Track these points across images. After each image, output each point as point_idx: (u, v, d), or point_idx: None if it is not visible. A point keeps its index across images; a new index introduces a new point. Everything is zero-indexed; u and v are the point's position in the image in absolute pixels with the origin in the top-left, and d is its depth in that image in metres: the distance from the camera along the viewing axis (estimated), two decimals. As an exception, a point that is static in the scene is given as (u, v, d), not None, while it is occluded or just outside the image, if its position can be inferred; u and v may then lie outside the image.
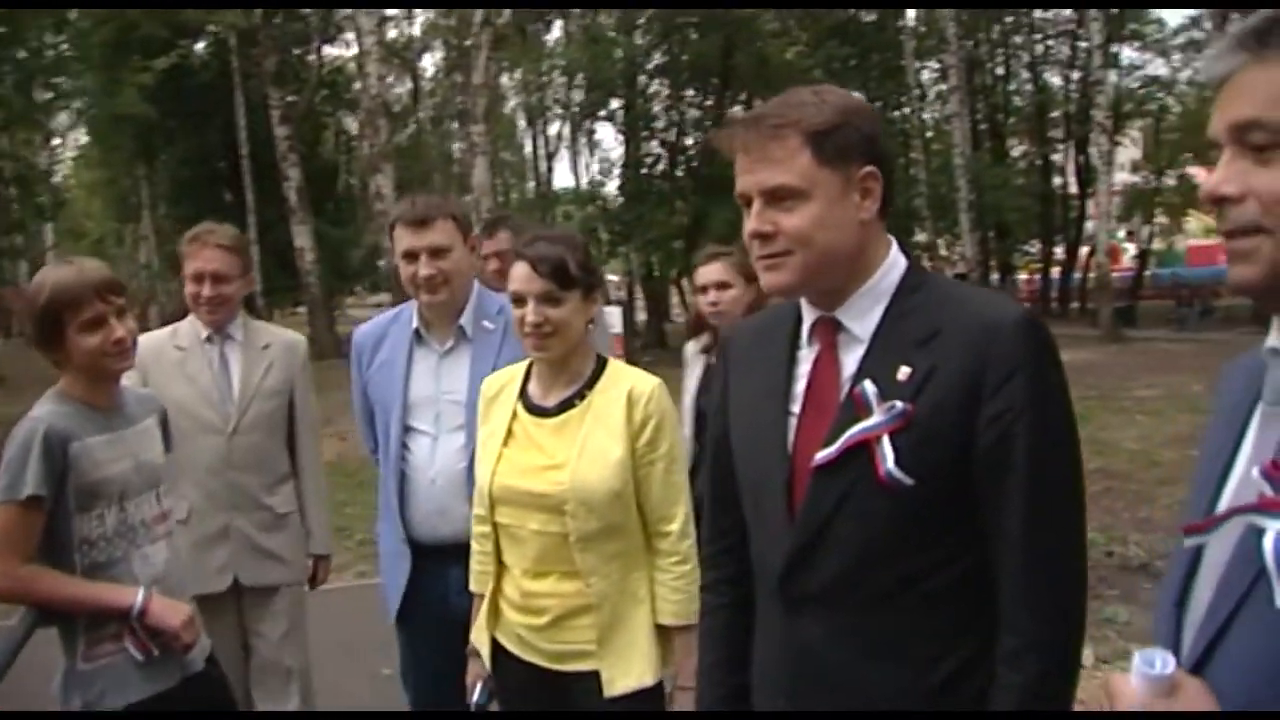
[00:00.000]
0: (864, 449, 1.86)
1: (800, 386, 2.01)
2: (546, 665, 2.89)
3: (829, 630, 1.95)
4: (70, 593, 2.97)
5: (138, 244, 41.98)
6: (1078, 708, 1.84)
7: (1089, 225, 38.18)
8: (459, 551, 3.30)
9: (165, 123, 30.94)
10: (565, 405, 2.90)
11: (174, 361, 4.05)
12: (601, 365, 2.96)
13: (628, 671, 2.83)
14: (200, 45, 31.24)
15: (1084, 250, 38.70)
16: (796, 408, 2.00)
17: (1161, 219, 46.93)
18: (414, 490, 3.56)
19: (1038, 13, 40.31)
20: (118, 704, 2.99)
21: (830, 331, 2.00)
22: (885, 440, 1.84)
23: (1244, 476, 1.39)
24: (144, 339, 4.12)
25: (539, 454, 2.87)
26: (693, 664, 2.79)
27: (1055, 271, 42.23)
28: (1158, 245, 48.90)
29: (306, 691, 4.28)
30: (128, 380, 3.38)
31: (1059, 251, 40.04)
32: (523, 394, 2.98)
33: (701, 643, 2.35)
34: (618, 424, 2.81)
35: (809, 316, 2.04)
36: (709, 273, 4.57)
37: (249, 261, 4.28)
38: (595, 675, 2.83)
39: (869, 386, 1.88)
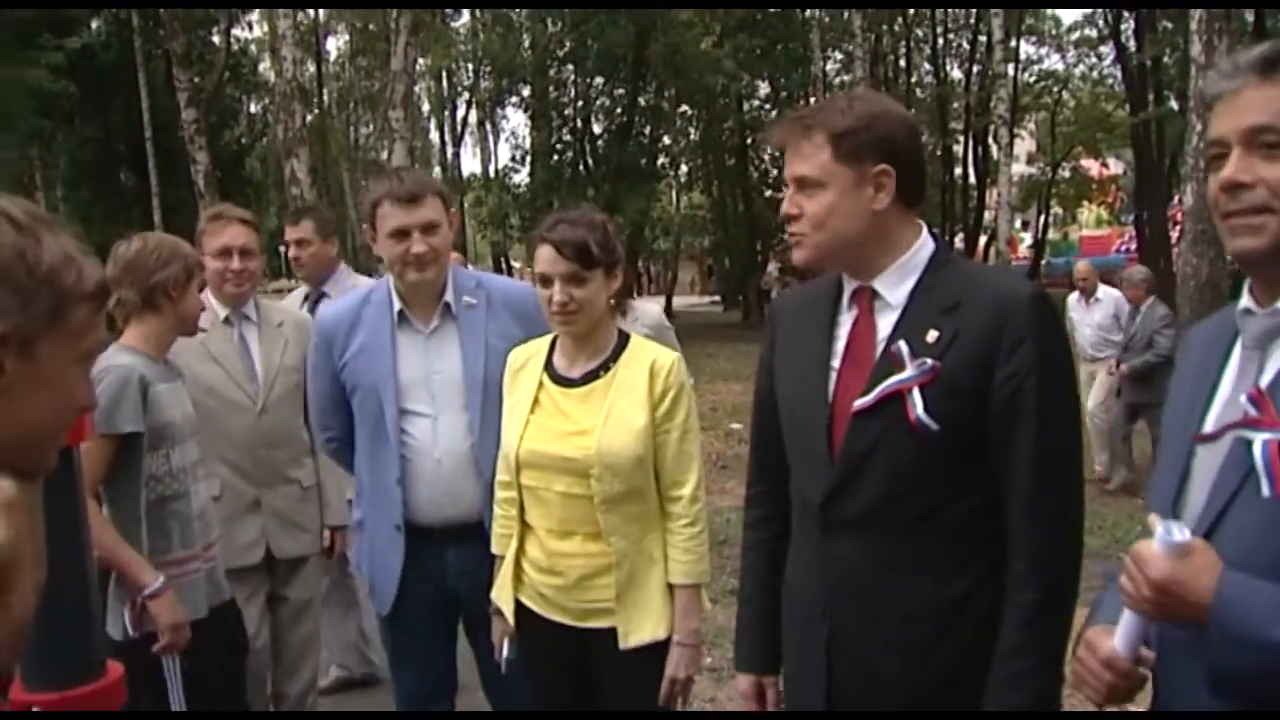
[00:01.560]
0: (897, 398, 2.21)
1: (840, 345, 2.36)
2: (570, 623, 3.10)
3: (861, 550, 2.29)
4: (109, 541, 3.22)
5: (33, 227, 40.86)
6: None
7: (988, 215, 38.99)
8: (461, 532, 3.45)
9: (63, 104, 30.27)
10: (590, 376, 3.10)
11: (198, 342, 4.08)
12: (624, 340, 3.16)
13: (642, 626, 3.05)
14: (95, 23, 30.52)
15: (983, 239, 39.50)
16: (837, 363, 2.34)
17: (1056, 209, 48.08)
18: (418, 472, 3.51)
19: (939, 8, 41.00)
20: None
21: (867, 299, 2.34)
22: (916, 391, 2.19)
23: (1228, 402, 1.81)
24: None
25: (566, 420, 3.07)
26: (693, 623, 3.08)
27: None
28: (1053, 235, 49.98)
29: (316, 656, 4.48)
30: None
31: (959, 240, 40.80)
32: (549, 365, 3.17)
33: (744, 573, 2.73)
34: (641, 394, 3.03)
35: (849, 286, 2.39)
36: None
37: (263, 239, 4.37)
38: (613, 631, 3.05)
39: (903, 345, 2.23)
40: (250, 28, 35.05)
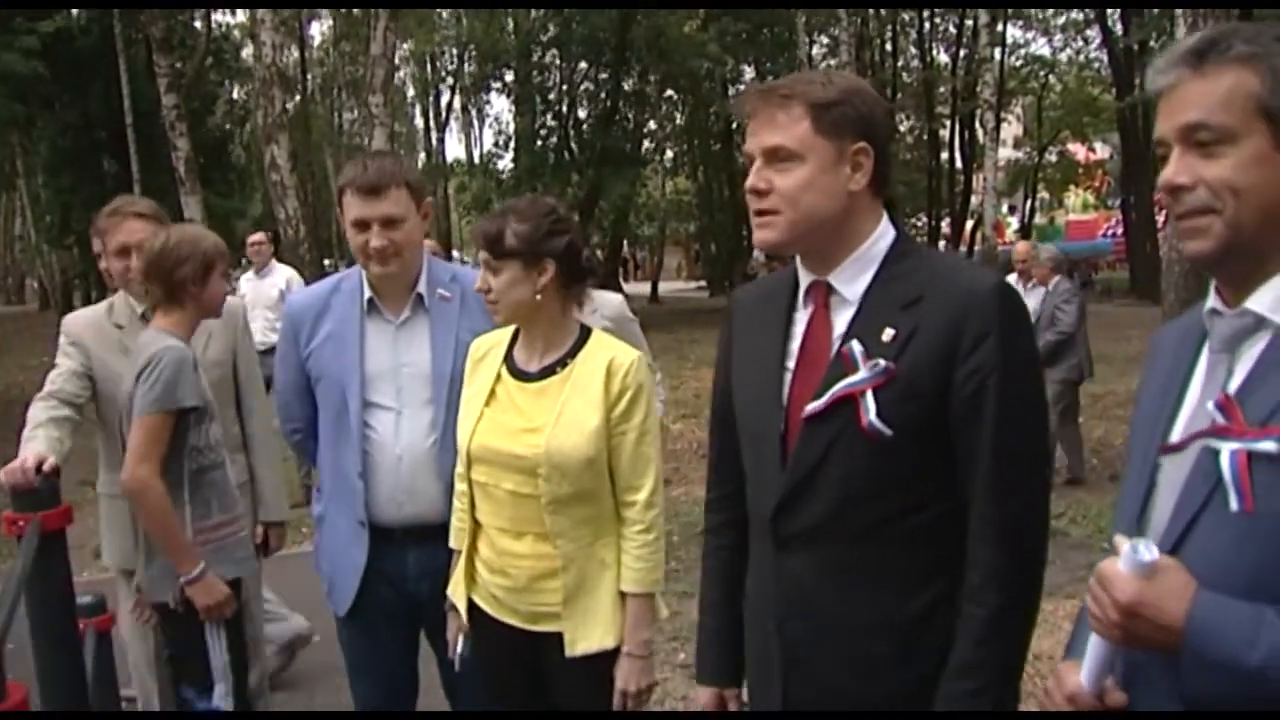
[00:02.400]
0: (850, 402, 2.08)
1: (795, 345, 2.22)
2: (520, 625, 2.98)
3: (815, 564, 2.17)
4: (166, 518, 3.47)
5: (14, 215, 40.74)
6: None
7: (974, 199, 38.99)
8: (422, 533, 3.34)
9: (43, 89, 30.02)
10: (547, 371, 2.97)
11: (115, 340, 3.99)
12: (585, 335, 3.03)
13: (590, 634, 2.92)
14: (75, 10, 30.30)
15: (969, 224, 39.50)
16: (792, 364, 2.21)
17: (1043, 194, 48.16)
18: (378, 468, 3.39)
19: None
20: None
21: (823, 294, 2.21)
22: (869, 394, 2.06)
23: (1195, 410, 1.70)
24: (81, 317, 4.15)
25: (518, 416, 2.95)
26: (644, 633, 2.95)
27: (941, 245, 43.08)
28: (1039, 220, 50.07)
29: (262, 657, 4.31)
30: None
31: (945, 225, 40.81)
32: (509, 357, 3.05)
33: (703, 581, 2.57)
34: (596, 393, 2.89)
35: (804, 280, 2.25)
36: None
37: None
38: (562, 636, 2.93)
39: (855, 345, 2.10)
40: (233, 13, 34.80)
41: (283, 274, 10.13)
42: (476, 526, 3.06)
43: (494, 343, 3.12)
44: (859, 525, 2.12)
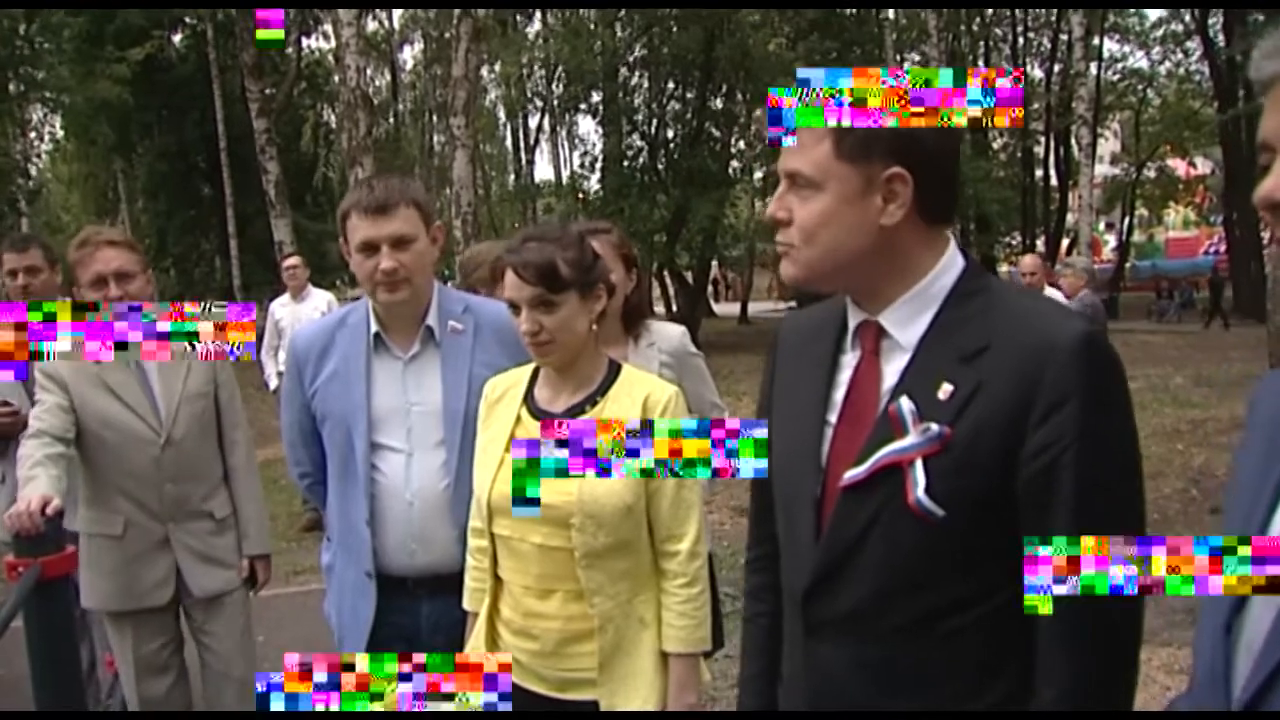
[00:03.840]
0: (896, 471, 1.73)
1: (840, 394, 1.88)
2: (548, 693, 2.74)
3: (849, 660, 1.84)
4: None
5: (116, 238, 41.66)
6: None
7: (1070, 217, 38.26)
8: (435, 584, 3.12)
9: (142, 116, 30.71)
10: (575, 411, 2.72)
11: (93, 374, 3.86)
12: (615, 370, 2.80)
13: (629, 700, 2.68)
14: (177, 38, 31.00)
15: (1065, 242, 38.74)
16: (834, 417, 1.87)
17: (1141, 211, 47.18)
18: (387, 514, 3.18)
19: (1018, 7, 40.40)
20: None
21: (873, 337, 1.85)
22: (918, 464, 1.71)
23: None
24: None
25: None
26: (690, 697, 2.69)
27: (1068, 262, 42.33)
28: (1138, 237, 49.09)
29: (249, 702, 4.12)
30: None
31: (1040, 244, 40.05)
32: (529, 398, 2.81)
33: (743, 652, 2.24)
34: None
35: (854, 318, 1.90)
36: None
37: (145, 258, 4.09)
38: (596, 705, 2.69)
39: (905, 404, 1.74)
40: (326, 38, 35.30)
41: (322, 297, 10.01)
42: (498, 585, 2.81)
43: (511, 382, 2.88)
44: (901, 619, 1.77)
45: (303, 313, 9.58)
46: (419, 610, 3.18)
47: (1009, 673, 1.74)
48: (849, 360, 1.89)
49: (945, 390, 1.72)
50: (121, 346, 3.81)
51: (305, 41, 31.91)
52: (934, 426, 1.71)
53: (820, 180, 1.77)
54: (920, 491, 1.70)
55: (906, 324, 1.81)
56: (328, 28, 30.44)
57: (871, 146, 1.75)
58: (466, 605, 2.93)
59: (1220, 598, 1.39)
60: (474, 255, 4.62)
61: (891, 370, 1.82)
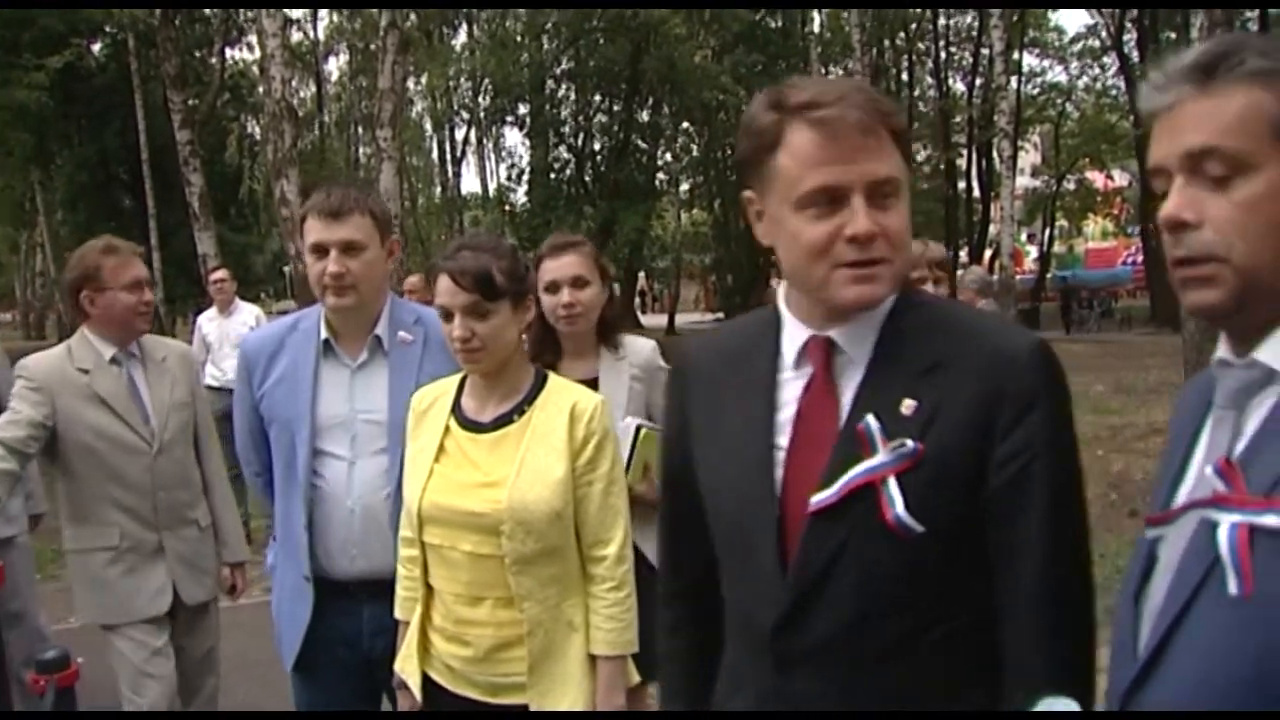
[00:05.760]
0: (867, 491, 1.69)
1: (787, 415, 1.81)
2: (480, 698, 2.76)
3: (827, 690, 1.77)
4: None
5: (34, 251, 40.92)
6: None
7: (992, 228, 38.82)
8: (376, 588, 3.12)
9: (61, 125, 30.13)
10: (503, 420, 2.76)
11: (81, 385, 3.89)
12: (542, 379, 2.83)
13: (559, 702, 2.70)
14: (97, 46, 30.51)
15: (988, 253, 39.31)
16: (784, 440, 1.80)
17: (1062, 222, 48.01)
18: (328, 521, 3.21)
19: (941, 20, 41.00)
20: None
21: (823, 352, 1.80)
22: (891, 482, 1.68)
23: (1199, 475, 1.46)
24: (44, 361, 4.02)
25: (474, 471, 2.73)
26: (617, 698, 2.73)
27: (959, 274, 42.87)
28: (1058, 248, 49.93)
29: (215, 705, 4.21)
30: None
31: (963, 255, 40.63)
32: (456, 408, 2.84)
33: (663, 692, 2.17)
34: (559, 441, 2.68)
35: (797, 334, 1.84)
36: (563, 266, 3.55)
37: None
38: (526, 708, 2.71)
39: (872, 422, 1.71)
40: (250, 49, 34.97)
41: (250, 311, 9.92)
42: (429, 593, 2.83)
43: (439, 393, 2.91)
44: (880, 642, 1.73)
45: (230, 327, 9.49)
46: (360, 614, 3.21)
47: (982, 680, 1.75)
48: (791, 379, 1.83)
49: (908, 406, 1.71)
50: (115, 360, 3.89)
51: (229, 52, 31.56)
52: (908, 443, 1.68)
53: (900, 187, 1.74)
54: (900, 508, 1.67)
55: (858, 339, 1.78)
56: (252, 38, 30.18)
57: (907, 151, 1.77)
58: (399, 614, 2.95)
59: (1133, 570, 1.52)
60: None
61: (848, 387, 1.78)
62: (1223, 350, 1.50)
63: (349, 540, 3.20)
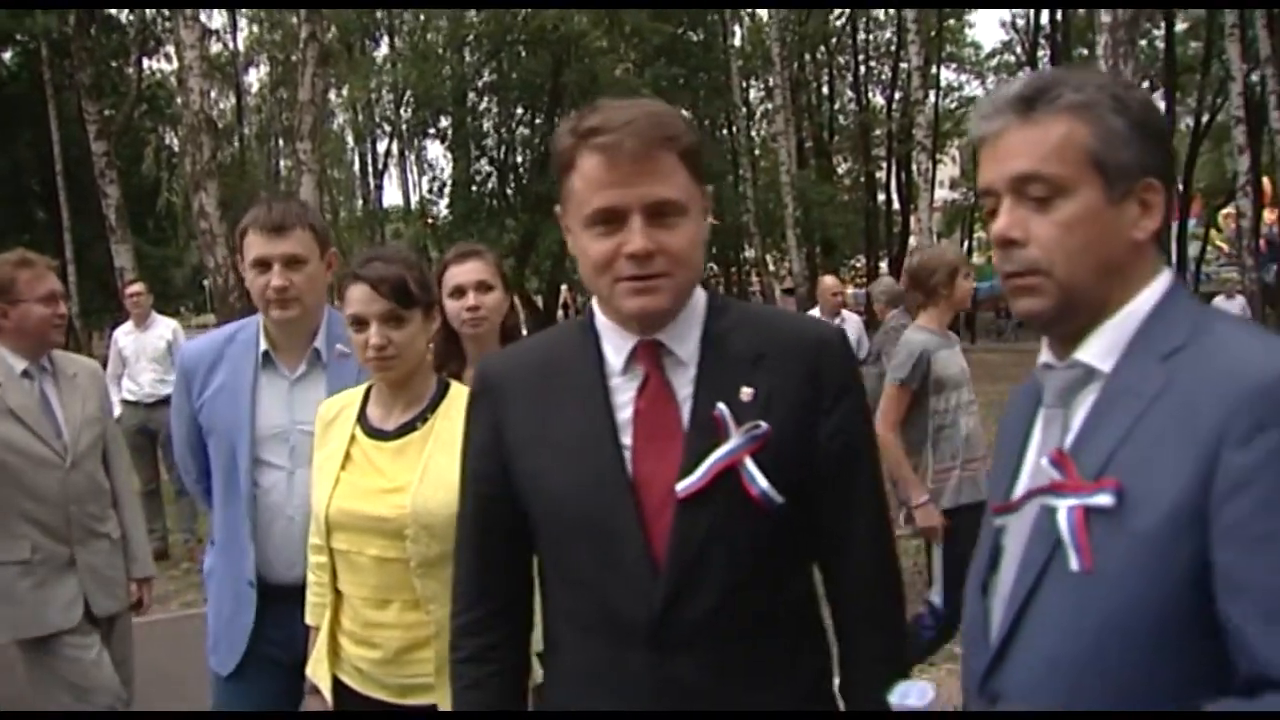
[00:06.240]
0: (729, 474, 1.84)
1: (625, 416, 1.92)
2: (389, 700, 2.81)
3: (711, 667, 1.87)
4: (900, 459, 5.09)
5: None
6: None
7: (912, 240, 39.36)
8: None
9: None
10: (406, 428, 2.83)
11: None
12: (444, 388, 2.90)
13: None
14: (8, 55, 29.98)
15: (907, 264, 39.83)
16: (628, 439, 1.91)
17: (980, 234, 48.68)
18: (270, 528, 3.26)
19: (860, 35, 41.56)
20: None
21: (653, 355, 1.93)
22: (749, 461, 1.84)
23: (1034, 468, 1.64)
24: None
25: (379, 477, 2.79)
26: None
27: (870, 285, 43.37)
28: (976, 259, 50.65)
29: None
30: None
31: (884, 266, 41.13)
32: (362, 417, 2.90)
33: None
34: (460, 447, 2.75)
35: (621, 342, 1.96)
36: (468, 272, 3.57)
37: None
38: (434, 709, 2.74)
39: (723, 408, 1.86)
40: (168, 59, 34.52)
41: (167, 325, 9.78)
42: (338, 598, 2.89)
43: (345, 403, 2.97)
44: (756, 612, 1.89)
45: (147, 341, 9.39)
46: (295, 616, 3.20)
47: (821, 637, 2.01)
48: (623, 384, 1.95)
49: (746, 393, 1.88)
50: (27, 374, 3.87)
51: (146, 62, 31.12)
52: (761, 424, 1.85)
53: (687, 203, 1.87)
54: (763, 483, 1.84)
55: (683, 340, 1.93)
56: (170, 49, 29.80)
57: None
58: (309, 620, 3.00)
59: (980, 563, 1.71)
60: (929, 260, 5.43)
61: (682, 383, 1.92)
62: (1045, 355, 1.69)
63: (289, 548, 3.22)
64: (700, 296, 1.98)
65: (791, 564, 1.96)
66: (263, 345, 3.35)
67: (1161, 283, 1.61)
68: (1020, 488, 1.67)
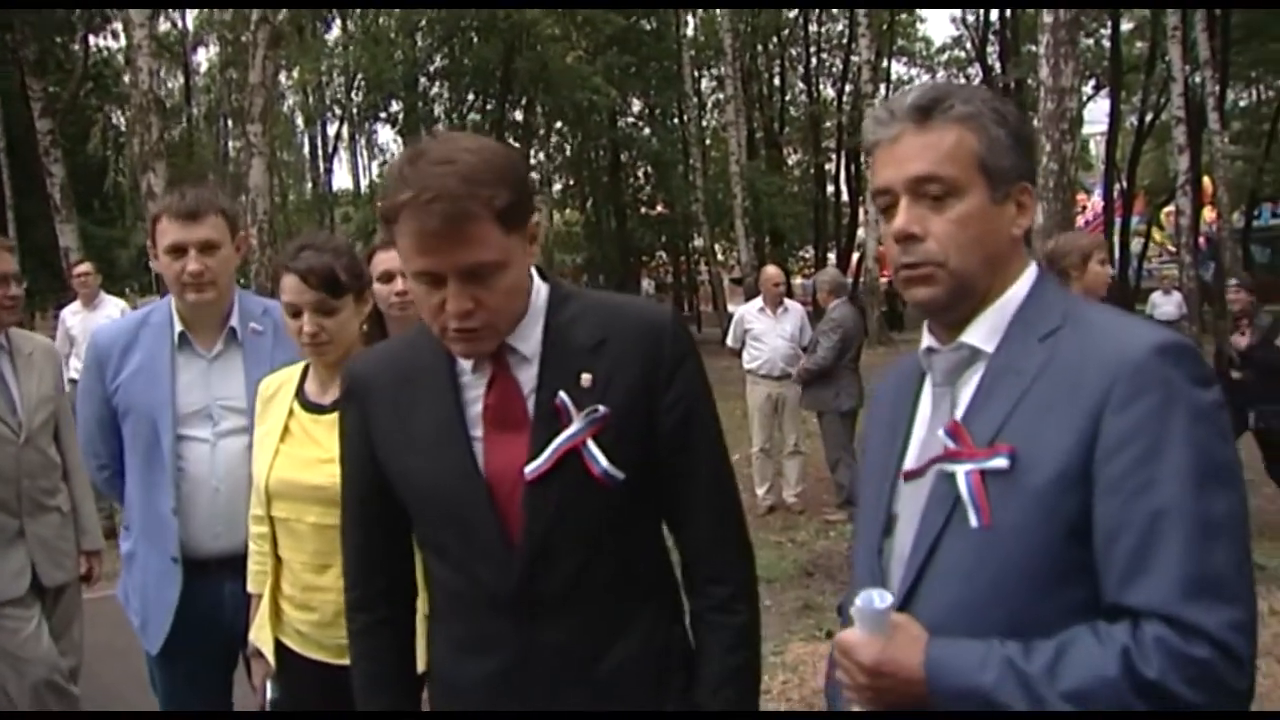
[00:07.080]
0: (572, 455, 2.02)
1: (476, 411, 2.10)
2: (329, 660, 2.93)
3: (572, 628, 2.08)
4: None
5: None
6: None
7: (860, 232, 39.66)
8: (237, 564, 3.25)
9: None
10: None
11: None
12: None
13: None
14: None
15: (855, 256, 40.13)
16: (478, 432, 2.09)
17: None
18: (194, 501, 3.36)
19: (812, 27, 41.76)
20: None
21: (499, 354, 2.08)
22: (591, 443, 2.02)
23: (925, 441, 1.84)
24: None
25: (316, 448, 2.92)
26: None
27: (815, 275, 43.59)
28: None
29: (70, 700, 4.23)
30: None
31: (832, 257, 41.42)
32: (300, 393, 3.03)
33: (373, 673, 2.35)
34: None
35: None
36: (396, 257, 3.69)
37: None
38: None
39: (564, 396, 2.03)
40: (115, 37, 34.13)
41: (114, 305, 9.86)
42: (278, 564, 3.03)
43: (283, 380, 3.11)
44: (607, 576, 2.10)
45: (95, 321, 9.38)
46: (222, 590, 3.36)
47: (669, 590, 2.22)
48: (472, 382, 2.11)
49: (586, 380, 2.05)
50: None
51: (93, 40, 30.74)
52: (599, 408, 2.03)
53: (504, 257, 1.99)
54: (604, 463, 2.02)
55: (525, 338, 2.08)
56: (118, 26, 29.47)
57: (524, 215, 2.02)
58: (251, 588, 3.13)
59: (871, 528, 1.90)
60: (1063, 244, 5.44)
61: (526, 377, 2.08)
62: (928, 340, 1.88)
63: (214, 518, 3.36)
64: (542, 293, 2.12)
65: (642, 529, 2.16)
66: (178, 327, 3.46)
67: (1031, 273, 1.82)
68: (910, 460, 1.85)
